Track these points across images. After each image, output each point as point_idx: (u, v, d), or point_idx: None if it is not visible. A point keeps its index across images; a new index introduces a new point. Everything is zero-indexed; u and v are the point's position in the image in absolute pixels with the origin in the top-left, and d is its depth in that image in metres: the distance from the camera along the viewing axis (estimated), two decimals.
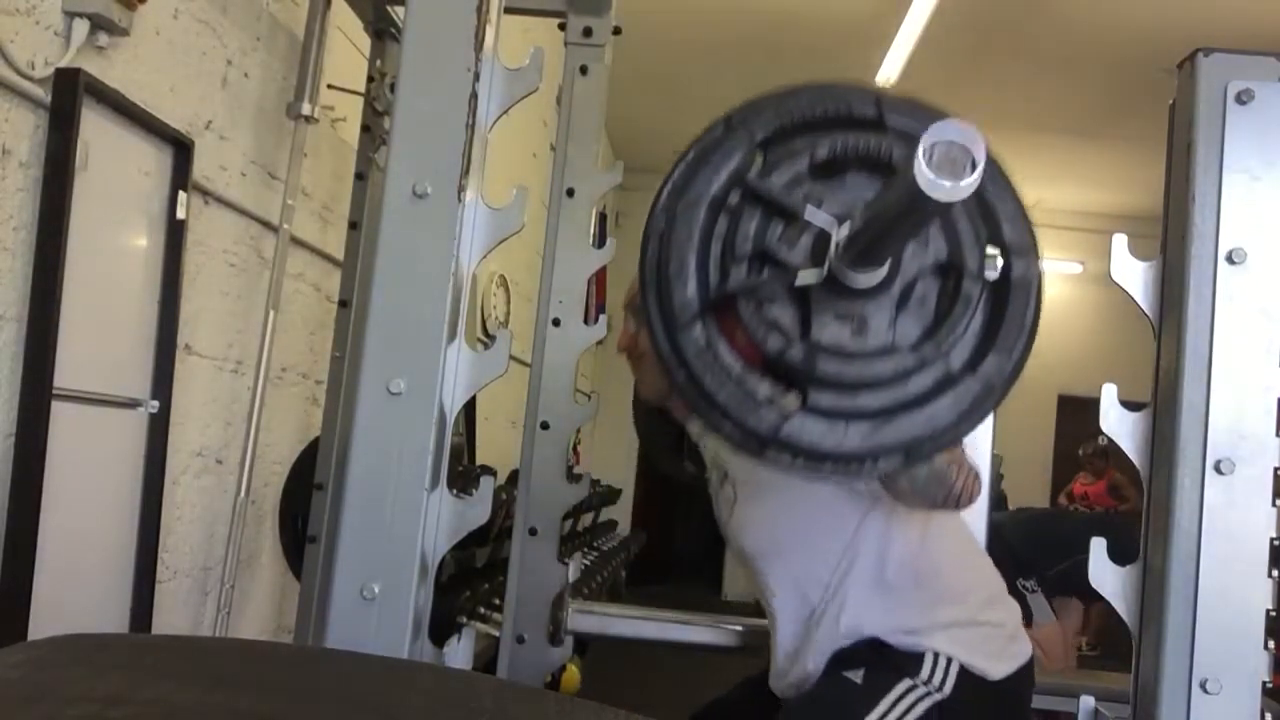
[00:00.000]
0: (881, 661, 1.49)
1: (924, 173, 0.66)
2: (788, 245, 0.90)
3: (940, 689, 1.45)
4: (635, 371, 1.76)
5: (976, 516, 1.92)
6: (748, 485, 1.62)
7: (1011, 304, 0.92)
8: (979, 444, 1.97)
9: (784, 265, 0.90)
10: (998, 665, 1.50)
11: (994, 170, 0.93)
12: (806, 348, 0.89)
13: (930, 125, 0.67)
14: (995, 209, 0.94)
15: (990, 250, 0.92)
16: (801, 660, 1.58)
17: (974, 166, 0.66)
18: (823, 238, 0.88)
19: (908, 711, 1.44)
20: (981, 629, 1.53)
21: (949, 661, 1.46)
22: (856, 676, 1.47)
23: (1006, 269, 0.92)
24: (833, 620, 1.55)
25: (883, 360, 0.90)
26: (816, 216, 0.88)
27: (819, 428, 0.90)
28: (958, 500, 1.40)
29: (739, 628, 2.03)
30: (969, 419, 0.93)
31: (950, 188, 0.66)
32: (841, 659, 1.54)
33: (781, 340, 0.89)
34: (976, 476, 1.42)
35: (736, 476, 1.64)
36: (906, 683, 1.45)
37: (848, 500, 1.54)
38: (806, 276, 0.89)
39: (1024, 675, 1.55)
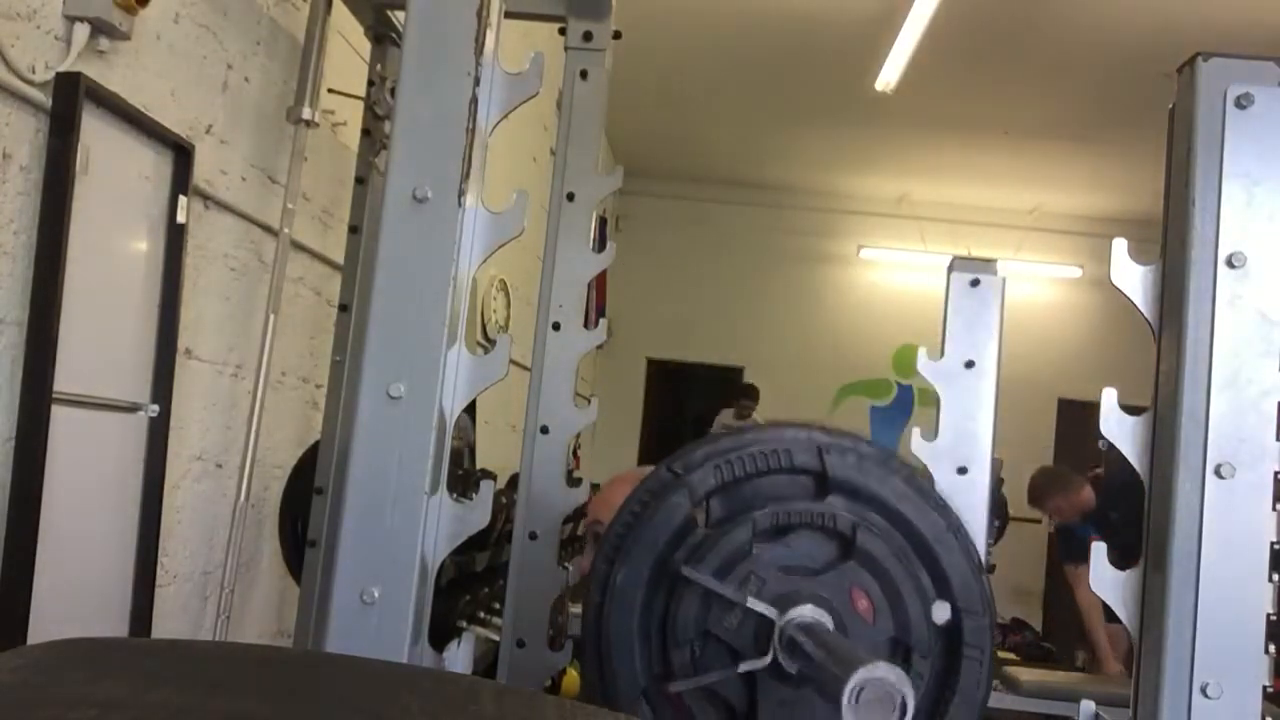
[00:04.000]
0: None
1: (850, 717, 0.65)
2: (731, 628, 0.87)
3: None
4: None
5: (975, 535, 1.91)
6: None
7: (964, 671, 0.89)
8: (978, 445, 1.97)
9: (726, 649, 0.87)
10: None
11: (951, 523, 0.91)
12: None
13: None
14: (947, 571, 0.90)
15: (939, 605, 0.88)
16: None
17: (904, 710, 0.65)
18: (766, 623, 0.86)
19: None
20: None
21: None
22: None
23: (957, 629, 0.89)
24: None
25: None
26: (758, 606, 0.86)
27: None
28: None
29: None
30: None
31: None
32: None
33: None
34: None
35: None
36: None
37: None
38: (750, 664, 0.86)
39: None
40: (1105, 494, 4.68)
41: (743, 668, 0.85)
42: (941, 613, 0.88)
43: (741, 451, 0.90)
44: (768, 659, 0.84)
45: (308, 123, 2.72)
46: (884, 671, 0.64)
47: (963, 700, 0.87)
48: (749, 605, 0.85)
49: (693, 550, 0.87)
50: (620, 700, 0.87)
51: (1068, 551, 5.08)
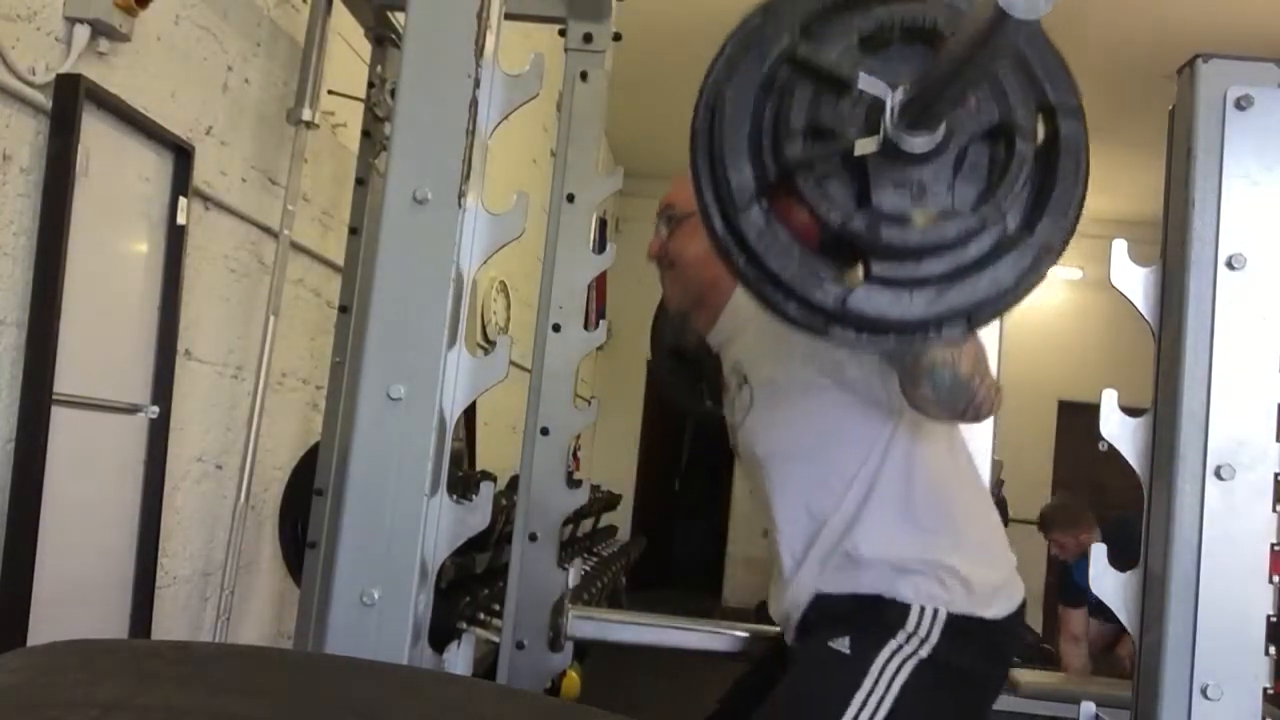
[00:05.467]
0: (868, 619, 1.48)
1: None
2: (841, 117, 0.90)
3: (925, 640, 1.45)
4: (663, 280, 1.77)
5: None
6: (767, 389, 1.61)
7: (1062, 165, 0.93)
8: (979, 448, 1.97)
9: (839, 136, 0.89)
10: (988, 609, 1.50)
11: (1040, 30, 0.95)
12: (868, 216, 0.89)
13: None
14: (1039, 72, 0.95)
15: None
16: (798, 581, 1.58)
17: None
18: (876, 105, 0.88)
19: (895, 676, 1.44)
20: (979, 570, 1.53)
21: (935, 613, 1.46)
22: (844, 645, 1.46)
23: (1054, 131, 0.93)
24: (838, 535, 1.53)
25: (943, 224, 0.90)
26: (870, 83, 0.88)
27: (883, 298, 0.91)
28: (978, 411, 1.39)
29: (739, 633, 2.02)
30: (1028, 280, 0.94)
31: (1031, 3, 0.66)
32: (828, 614, 1.53)
33: (843, 211, 0.89)
34: (998, 390, 1.41)
35: (756, 380, 1.63)
36: (892, 644, 1.45)
37: (873, 414, 1.53)
38: (864, 145, 0.88)
39: (1013, 619, 1.55)
40: (1109, 541, 4.67)
41: (858, 149, 0.88)
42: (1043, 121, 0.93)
43: None
44: (880, 136, 0.87)
45: (308, 124, 2.72)
46: None
47: (1063, 185, 0.93)
48: (860, 84, 0.88)
49: (801, 50, 0.91)
50: (735, 207, 0.91)
51: (1063, 592, 5.06)
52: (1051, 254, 0.94)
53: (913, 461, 1.54)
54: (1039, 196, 0.93)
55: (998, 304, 0.94)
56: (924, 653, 1.45)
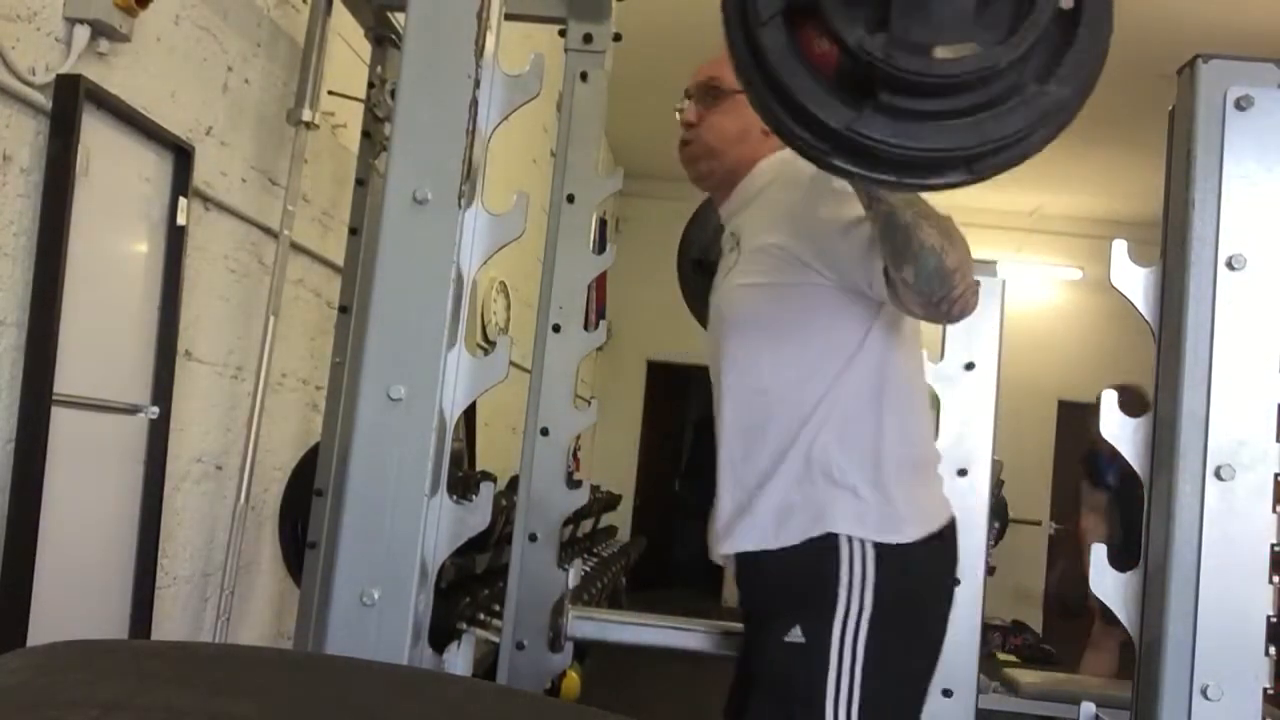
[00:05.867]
0: (808, 588, 1.48)
1: None
2: None
3: (864, 584, 1.45)
4: (684, 150, 1.78)
5: (975, 537, 1.92)
6: (755, 253, 1.60)
7: (1085, 24, 0.94)
8: (979, 447, 1.98)
9: None
10: (917, 530, 1.50)
11: None
12: (885, 40, 0.90)
13: None
14: None
15: None
16: (729, 495, 1.59)
17: None
18: None
19: (855, 645, 1.45)
20: (914, 493, 1.53)
21: (864, 552, 1.46)
22: (797, 635, 1.46)
23: None
24: (783, 427, 1.53)
25: (958, 60, 0.91)
26: None
27: (889, 127, 0.92)
28: (951, 308, 1.38)
29: (739, 633, 2.02)
30: (1036, 134, 0.95)
31: None
32: (765, 584, 1.54)
33: (862, 31, 0.91)
34: (975, 292, 1.40)
35: (747, 245, 1.63)
36: (839, 614, 1.45)
37: (850, 311, 1.53)
38: None
39: (942, 538, 1.54)
40: None
41: None
42: None
43: None
44: None
45: (308, 125, 2.72)
46: None
47: (1085, 45, 0.95)
48: None
49: None
50: (758, 21, 0.93)
51: (1088, 470, 5.09)
52: (1063, 112, 0.94)
53: (883, 373, 1.54)
54: (1059, 52, 0.93)
55: (1001, 153, 0.94)
56: (869, 604, 1.45)
